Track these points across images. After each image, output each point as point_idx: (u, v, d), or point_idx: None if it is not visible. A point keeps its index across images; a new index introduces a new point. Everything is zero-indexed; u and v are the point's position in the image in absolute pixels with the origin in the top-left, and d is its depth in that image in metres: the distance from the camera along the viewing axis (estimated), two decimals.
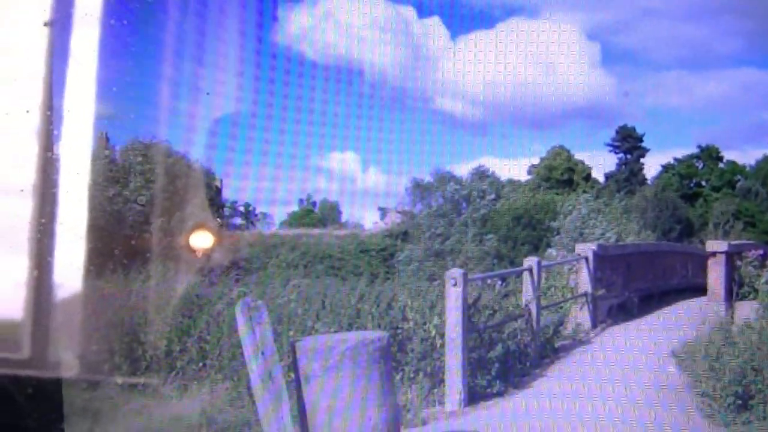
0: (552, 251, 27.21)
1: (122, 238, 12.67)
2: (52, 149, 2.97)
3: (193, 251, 12.46)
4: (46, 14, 2.99)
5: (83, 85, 3.05)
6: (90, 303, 11.61)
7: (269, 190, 26.24)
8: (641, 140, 39.66)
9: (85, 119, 3.04)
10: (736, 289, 19.98)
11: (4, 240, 2.99)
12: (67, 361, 3.15)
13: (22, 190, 2.96)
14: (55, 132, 2.97)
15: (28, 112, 2.96)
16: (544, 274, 17.26)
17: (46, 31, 2.98)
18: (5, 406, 2.77)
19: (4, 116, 2.92)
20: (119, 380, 12.00)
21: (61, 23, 3.01)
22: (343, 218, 32.76)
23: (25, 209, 2.97)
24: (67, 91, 3.00)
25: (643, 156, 40.16)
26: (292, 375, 8.68)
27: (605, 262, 19.53)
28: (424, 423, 11.25)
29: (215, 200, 24.25)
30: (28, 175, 2.94)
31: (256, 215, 30.41)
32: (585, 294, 18.44)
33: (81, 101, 3.02)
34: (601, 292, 18.71)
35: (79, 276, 3.12)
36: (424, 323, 13.23)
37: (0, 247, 2.98)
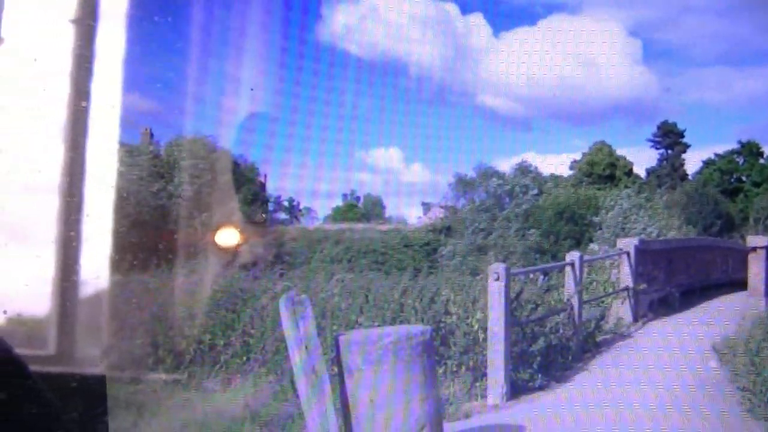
0: (594, 246, 27.10)
1: (166, 232, 12.67)
2: (78, 147, 2.93)
3: (236, 246, 12.46)
4: (75, 11, 2.95)
5: (111, 82, 3.01)
6: (124, 299, 11.63)
7: (313, 185, 26.32)
8: (682, 136, 39.47)
9: (112, 117, 2.99)
10: None
11: (35, 237, 2.95)
12: (97, 356, 3.10)
13: (48, 188, 2.92)
14: (82, 130, 2.93)
15: (54, 110, 2.92)
16: (585, 269, 17.14)
17: (73, 28, 2.94)
18: (44, 401, 2.72)
19: (30, 115, 2.89)
20: (162, 375, 12.02)
21: (91, 20, 2.97)
22: (387, 213, 32.75)
23: (53, 206, 2.93)
24: (94, 90, 2.96)
25: (684, 151, 39.97)
26: (336, 369, 8.64)
27: (646, 257, 19.41)
28: (467, 416, 11.18)
29: (259, 195, 24.28)
30: (56, 173, 2.90)
31: (300, 210, 30.45)
32: (626, 288, 18.33)
33: (107, 99, 2.97)
34: (642, 286, 18.59)
35: (106, 272, 3.07)
36: (467, 317, 13.17)
37: (31, 244, 2.94)
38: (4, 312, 2.84)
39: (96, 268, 3.01)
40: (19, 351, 2.68)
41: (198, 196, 15.17)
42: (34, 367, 2.69)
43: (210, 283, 13.39)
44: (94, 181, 2.96)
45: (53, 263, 2.94)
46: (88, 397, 2.99)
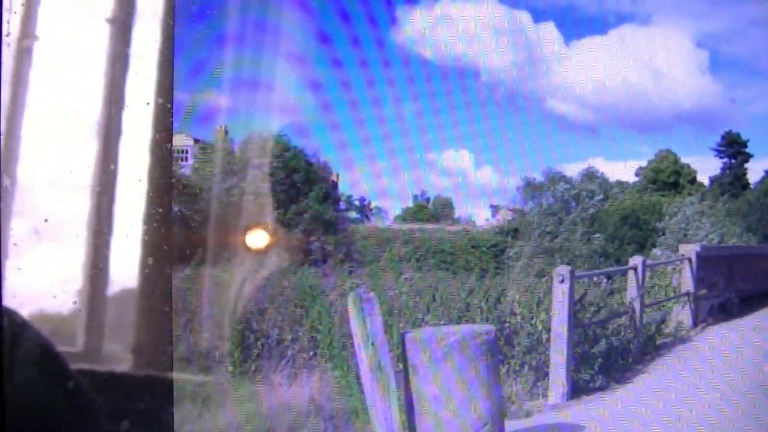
0: (656, 251, 26.84)
1: (235, 228, 12.68)
2: (111, 143, 2.87)
3: (307, 243, 12.46)
4: (112, 10, 2.89)
5: (146, 80, 2.94)
6: (193, 293, 11.64)
7: (385, 185, 26.24)
8: (746, 146, 38.95)
9: (146, 114, 2.92)
10: None
11: (65, 233, 2.89)
12: (126, 354, 3.05)
13: (80, 184, 2.86)
14: (114, 126, 2.87)
15: (89, 107, 2.85)
16: (648, 273, 16.95)
17: (109, 25, 2.88)
18: (85, 399, 2.69)
19: (64, 112, 2.83)
20: (230, 368, 12.03)
21: (129, 17, 2.91)
22: (456, 214, 32.56)
23: (85, 202, 2.87)
24: (129, 87, 2.90)
25: (747, 161, 39.48)
26: (401, 365, 8.59)
27: (708, 263, 19.17)
28: (528, 415, 11.12)
29: (331, 194, 24.32)
30: (88, 169, 2.84)
31: (371, 209, 30.41)
32: (687, 293, 18.11)
33: (143, 97, 2.91)
34: (702, 291, 18.36)
35: (137, 267, 3.00)
36: (531, 318, 13.10)
37: (61, 240, 2.88)
38: (33, 301, 2.79)
39: (129, 263, 2.94)
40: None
41: (269, 194, 15.20)
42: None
43: (279, 278, 13.40)
44: (129, 175, 2.89)
45: (83, 259, 2.87)
46: (153, 390, 2.95)
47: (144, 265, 2.89)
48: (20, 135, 2.72)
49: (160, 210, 2.92)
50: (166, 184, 2.95)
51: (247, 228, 12.66)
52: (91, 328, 2.88)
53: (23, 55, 2.72)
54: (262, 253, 12.55)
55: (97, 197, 2.80)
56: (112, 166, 2.82)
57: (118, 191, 2.82)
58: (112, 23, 2.83)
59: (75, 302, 2.79)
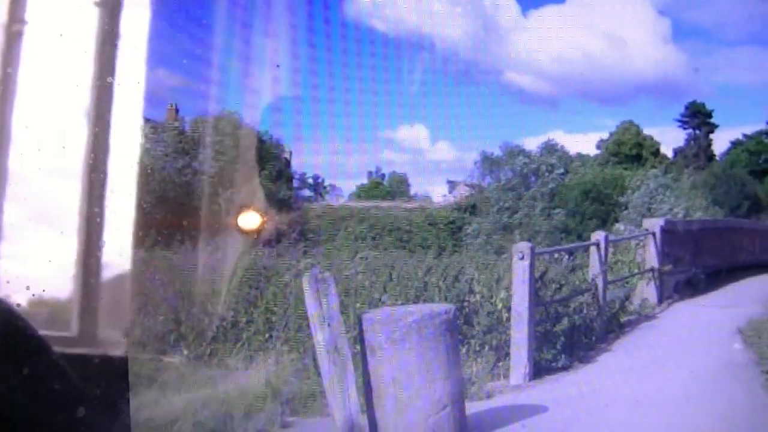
0: (620, 226, 27.06)
1: (190, 209, 12.70)
2: (102, 124, 2.94)
3: (260, 223, 12.49)
4: None
5: (135, 59, 3.01)
6: (148, 276, 11.67)
7: (338, 163, 26.26)
8: (711, 116, 39.21)
9: (137, 93, 3.00)
10: None
11: (58, 216, 2.96)
12: (120, 338, 3.12)
13: (69, 170, 2.93)
14: (106, 107, 2.94)
15: (77, 87, 2.92)
16: (611, 249, 17.11)
17: (97, 10, 2.95)
18: (67, 380, 2.75)
19: (52, 96, 2.90)
20: (185, 351, 12.06)
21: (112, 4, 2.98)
22: (412, 191, 32.63)
23: (76, 184, 2.94)
24: (119, 66, 2.97)
25: (712, 132, 39.74)
26: (358, 347, 8.66)
27: (672, 238, 19.34)
28: (489, 396, 11.17)
29: (284, 172, 24.31)
30: (79, 150, 2.91)
31: (325, 187, 30.42)
32: (651, 269, 18.27)
33: (132, 76, 2.98)
34: (667, 267, 18.53)
35: (129, 252, 3.07)
36: (491, 297, 13.18)
37: (53, 224, 2.95)
38: (27, 288, 2.84)
39: (120, 248, 3.02)
40: (42, 332, 2.70)
41: (222, 173, 15.20)
42: (56, 348, 2.71)
43: (233, 260, 13.44)
44: (118, 158, 2.97)
45: (76, 243, 2.94)
46: (109, 376, 3.01)
47: (95, 252, 2.96)
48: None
49: (113, 194, 2.99)
50: (140, 169, 3.02)
51: (199, 209, 12.69)
52: (44, 314, 2.95)
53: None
54: (215, 233, 12.58)
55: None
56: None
57: (91, 177, 2.89)
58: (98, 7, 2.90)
59: (28, 288, 2.85)
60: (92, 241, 2.96)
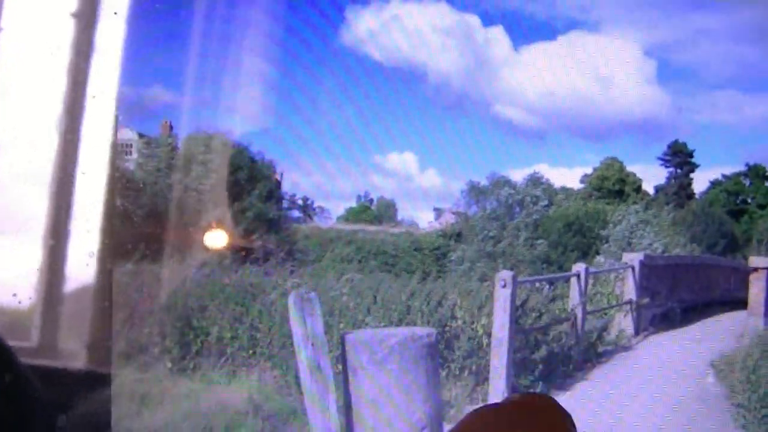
0: (600, 259, 27.05)
1: (178, 224, 12.65)
2: (71, 137, 2.89)
3: (249, 241, 12.47)
4: (73, 5, 2.92)
5: (108, 74, 2.96)
6: (133, 289, 11.61)
7: (328, 186, 26.28)
8: (692, 156, 39.29)
9: (108, 108, 2.94)
10: None
11: (22, 226, 2.91)
12: (82, 349, 3.06)
13: (37, 177, 2.89)
14: (75, 120, 2.89)
15: (50, 100, 2.88)
16: (591, 281, 17.12)
17: (72, 21, 2.90)
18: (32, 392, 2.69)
19: (25, 104, 2.85)
20: (168, 364, 12.01)
21: (88, 15, 2.93)
22: (399, 216, 32.60)
23: (41, 195, 2.89)
24: (91, 81, 2.92)
25: (692, 171, 39.82)
26: (340, 367, 8.62)
27: (651, 272, 19.36)
28: None
29: (274, 192, 24.28)
30: (47, 162, 2.86)
31: (314, 209, 30.40)
32: (629, 302, 18.27)
33: (104, 90, 2.93)
34: (645, 300, 18.52)
35: (94, 263, 3.02)
36: (473, 322, 13.19)
37: (17, 233, 2.90)
38: None
39: (86, 258, 2.96)
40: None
41: (212, 191, 15.16)
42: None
43: (219, 276, 13.40)
44: (87, 167, 2.91)
45: (40, 251, 2.89)
46: (92, 385, 2.96)
47: (84, 260, 2.91)
48: None
49: (102, 205, 2.94)
50: (110, 179, 2.97)
51: (190, 224, 12.65)
52: (29, 323, 2.89)
53: None
54: (203, 250, 12.54)
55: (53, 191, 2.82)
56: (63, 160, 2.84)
57: (60, 184, 2.84)
58: (74, 18, 2.85)
59: (14, 295, 2.80)
60: (57, 250, 2.90)
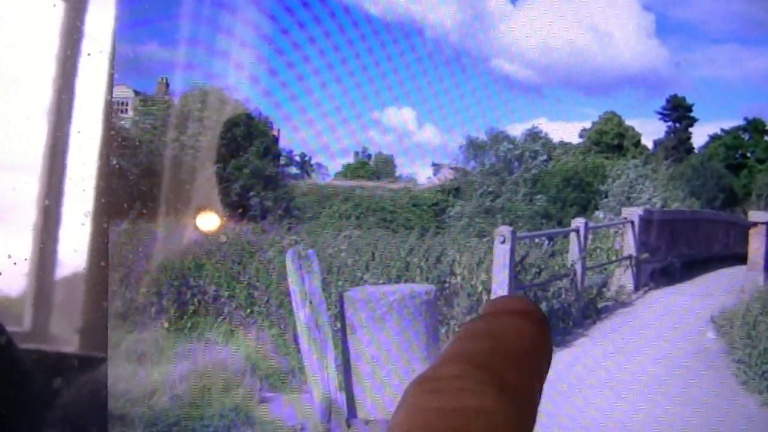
0: (599, 214, 27.01)
1: (175, 182, 12.58)
2: (65, 96, 2.84)
3: (245, 199, 12.42)
4: None
5: (104, 33, 2.91)
6: (130, 247, 11.58)
7: (326, 141, 26.15)
8: (690, 110, 39.12)
9: (102, 67, 2.89)
10: None
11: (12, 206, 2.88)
12: (70, 334, 3.04)
13: (27, 165, 2.85)
14: (69, 79, 2.84)
15: (42, 55, 2.83)
16: (590, 236, 17.09)
17: (62, 4, 2.85)
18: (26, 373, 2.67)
19: (16, 61, 2.80)
20: (165, 324, 11.99)
21: None
22: (397, 172, 32.46)
23: (37, 158, 2.85)
24: (86, 39, 2.87)
25: (691, 125, 39.66)
26: (339, 324, 8.60)
27: (650, 227, 19.34)
28: None
29: (272, 149, 24.16)
30: (41, 121, 2.82)
31: (312, 165, 30.29)
32: (629, 257, 18.25)
33: (100, 49, 2.87)
34: (644, 255, 18.51)
35: (85, 246, 2.99)
36: (472, 279, 13.14)
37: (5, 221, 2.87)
38: None
39: (80, 219, 2.92)
40: None
41: (209, 147, 15.08)
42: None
43: (217, 234, 13.35)
44: (81, 130, 2.86)
45: (31, 237, 2.85)
46: (87, 346, 2.93)
47: (80, 219, 2.87)
48: None
49: (97, 164, 2.90)
50: (105, 137, 2.92)
51: (186, 182, 12.59)
52: (24, 284, 2.86)
53: None
54: (200, 207, 12.49)
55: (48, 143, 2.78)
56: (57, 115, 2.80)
57: (55, 143, 2.79)
58: None
59: (10, 256, 2.76)
60: (52, 210, 2.86)
